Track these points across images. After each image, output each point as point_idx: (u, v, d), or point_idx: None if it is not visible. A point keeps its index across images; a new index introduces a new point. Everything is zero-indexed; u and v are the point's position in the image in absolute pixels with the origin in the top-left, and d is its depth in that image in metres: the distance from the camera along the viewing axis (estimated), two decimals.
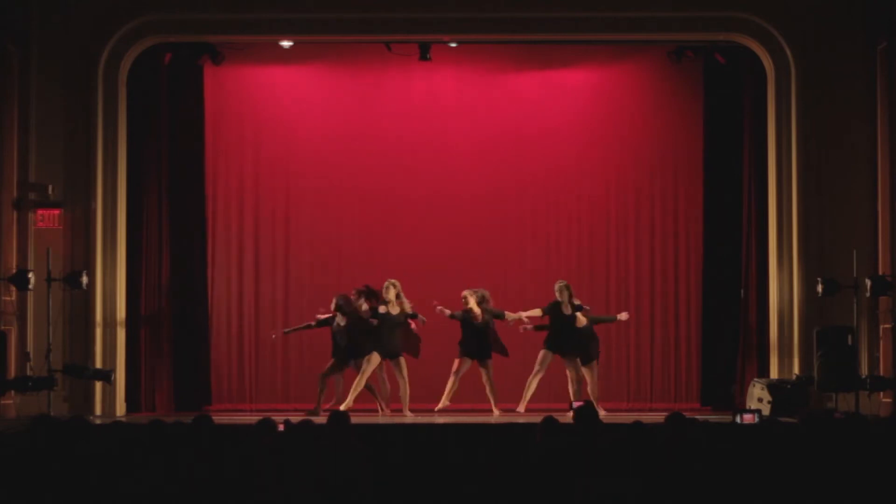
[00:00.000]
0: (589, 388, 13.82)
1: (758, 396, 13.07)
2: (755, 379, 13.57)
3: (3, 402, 12.88)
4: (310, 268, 15.34)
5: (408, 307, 13.66)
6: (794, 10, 13.78)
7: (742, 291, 14.69)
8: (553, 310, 13.67)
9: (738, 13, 13.81)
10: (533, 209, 15.43)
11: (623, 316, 14.13)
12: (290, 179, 15.42)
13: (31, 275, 12.94)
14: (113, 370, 13.55)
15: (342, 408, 12.84)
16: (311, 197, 15.40)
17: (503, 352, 13.92)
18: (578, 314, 13.72)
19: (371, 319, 13.51)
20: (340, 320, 13.70)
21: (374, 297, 13.72)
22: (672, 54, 14.95)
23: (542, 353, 13.72)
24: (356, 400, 13.64)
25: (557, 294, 13.71)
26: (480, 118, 15.42)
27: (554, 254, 15.43)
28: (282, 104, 15.41)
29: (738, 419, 11.68)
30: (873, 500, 6.75)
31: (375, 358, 13.47)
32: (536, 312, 13.77)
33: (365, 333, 13.58)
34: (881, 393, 12.91)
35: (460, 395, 14.29)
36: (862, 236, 13.36)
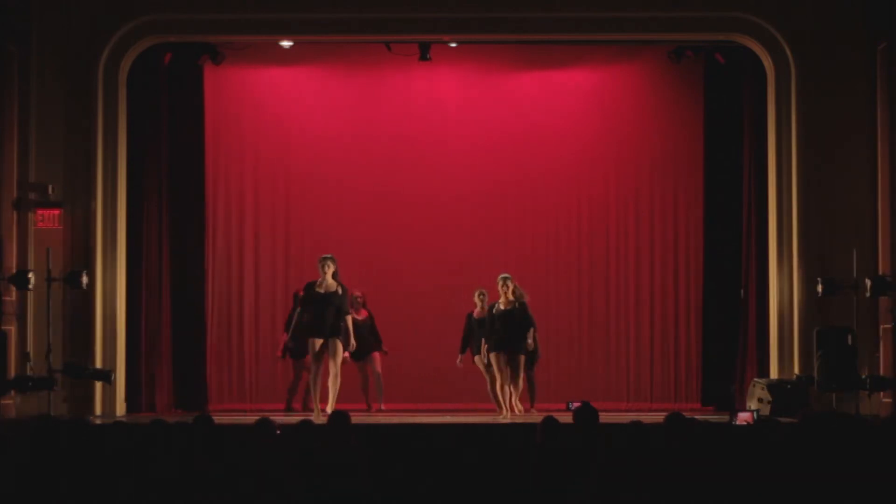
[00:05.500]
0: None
1: (758, 396, 13.07)
2: (755, 379, 13.57)
3: (3, 402, 12.86)
4: (310, 267, 15.27)
5: None
6: (794, 11, 13.77)
7: (742, 291, 14.69)
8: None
9: (738, 13, 13.80)
10: (533, 209, 15.43)
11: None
12: (290, 179, 15.43)
13: (31, 275, 12.93)
14: (113, 370, 13.55)
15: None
16: (311, 197, 15.41)
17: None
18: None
19: None
20: None
21: None
22: (672, 54, 14.95)
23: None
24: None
25: None
26: (480, 118, 15.43)
27: (554, 253, 15.44)
28: (282, 104, 15.41)
29: (734, 419, 11.70)
30: (873, 500, 6.74)
31: None
32: None
33: None
34: (881, 393, 12.91)
35: (460, 395, 14.32)
36: (862, 236, 13.35)
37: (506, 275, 13.16)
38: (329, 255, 12.88)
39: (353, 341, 12.85)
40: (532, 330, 13.11)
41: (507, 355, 12.99)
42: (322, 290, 12.71)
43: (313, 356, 12.78)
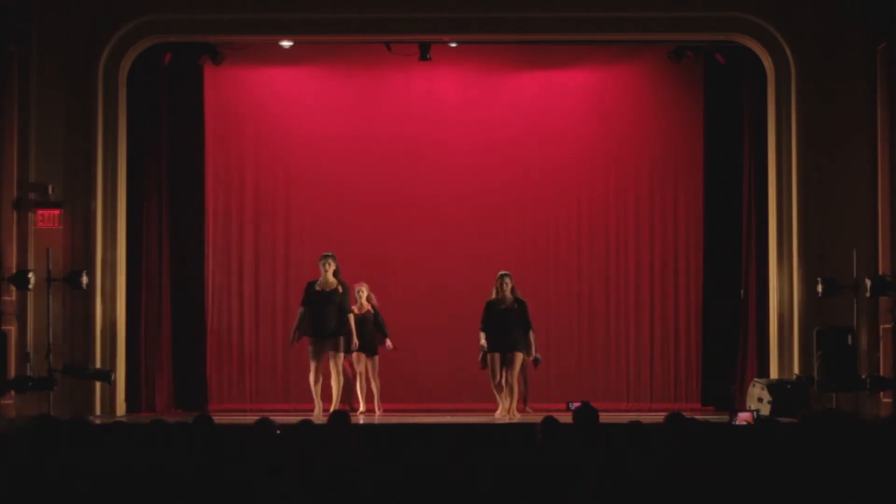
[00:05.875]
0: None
1: (758, 396, 13.08)
2: (755, 379, 13.57)
3: (3, 402, 12.87)
4: (310, 267, 15.28)
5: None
6: (794, 10, 13.77)
7: (742, 291, 14.69)
8: None
9: (738, 13, 13.80)
10: (533, 209, 15.42)
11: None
12: (289, 179, 15.42)
13: (31, 275, 12.94)
14: (113, 370, 13.55)
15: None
16: (311, 197, 15.40)
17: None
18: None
19: None
20: None
21: None
22: (672, 54, 14.95)
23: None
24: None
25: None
26: (480, 118, 15.42)
27: (553, 253, 15.43)
28: (282, 104, 15.41)
29: (734, 419, 11.71)
30: (873, 500, 6.74)
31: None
32: None
33: None
34: (881, 393, 12.91)
35: (460, 396, 14.32)
36: (862, 236, 13.35)
37: (504, 272, 13.14)
38: (329, 254, 12.93)
39: (355, 340, 12.89)
40: (531, 332, 13.07)
41: (505, 355, 12.92)
42: (321, 289, 12.76)
43: (313, 355, 12.81)
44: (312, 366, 12.80)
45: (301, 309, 13.00)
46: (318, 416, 12.20)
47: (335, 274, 12.85)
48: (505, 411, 12.94)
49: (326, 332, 12.73)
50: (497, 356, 12.94)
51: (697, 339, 15.19)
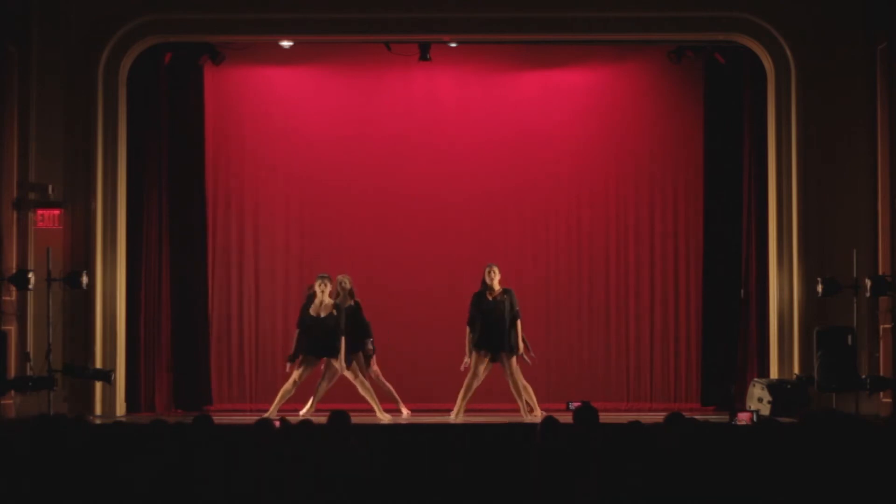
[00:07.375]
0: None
1: (758, 396, 13.07)
2: (755, 379, 13.57)
3: (3, 402, 12.88)
4: (310, 267, 15.33)
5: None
6: (794, 10, 13.78)
7: (742, 291, 14.69)
8: None
9: (738, 13, 13.81)
10: (532, 209, 15.42)
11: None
12: (289, 179, 15.42)
13: (31, 275, 12.94)
14: (113, 370, 13.55)
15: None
16: (311, 197, 15.40)
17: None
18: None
19: None
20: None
21: None
22: (672, 54, 14.95)
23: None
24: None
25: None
26: (480, 118, 15.42)
27: (553, 254, 15.43)
28: (282, 104, 15.41)
29: (734, 419, 11.70)
30: (873, 500, 6.75)
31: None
32: None
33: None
34: (881, 393, 12.92)
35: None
36: (862, 236, 13.35)
37: (492, 263, 13.03)
38: (326, 275, 13.00)
39: (342, 363, 12.94)
40: (518, 323, 12.76)
41: (492, 355, 12.80)
42: (314, 314, 12.87)
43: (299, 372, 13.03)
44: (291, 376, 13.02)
45: (297, 331, 13.10)
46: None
47: (350, 294, 13.02)
48: (528, 411, 12.82)
49: (322, 355, 12.91)
50: (486, 355, 12.78)
51: (697, 339, 15.19)
